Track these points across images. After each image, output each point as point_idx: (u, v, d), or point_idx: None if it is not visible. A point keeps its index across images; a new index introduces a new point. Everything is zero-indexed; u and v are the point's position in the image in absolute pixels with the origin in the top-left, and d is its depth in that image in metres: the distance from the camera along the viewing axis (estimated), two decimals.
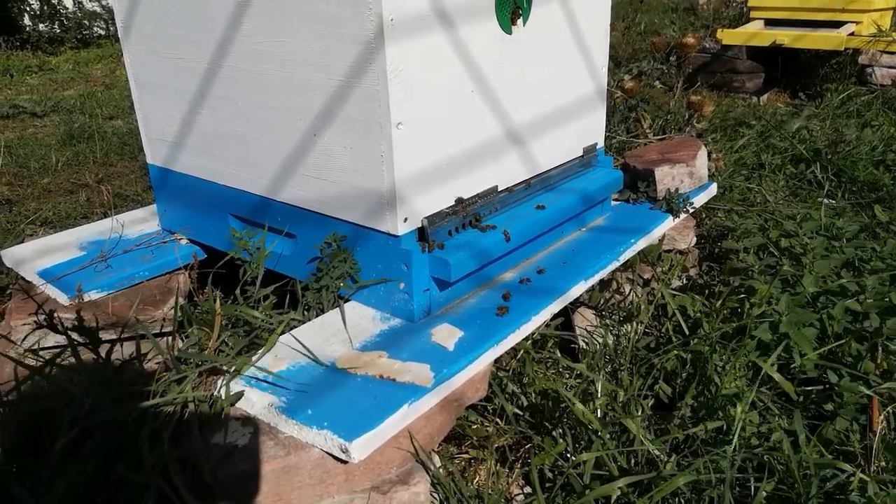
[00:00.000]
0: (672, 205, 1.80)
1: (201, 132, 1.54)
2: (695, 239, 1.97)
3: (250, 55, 1.34)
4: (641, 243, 1.68)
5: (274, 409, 1.07)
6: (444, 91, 1.26)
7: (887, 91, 3.66)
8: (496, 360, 1.33)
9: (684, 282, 1.94)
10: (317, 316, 1.34)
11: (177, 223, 1.72)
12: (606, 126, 1.78)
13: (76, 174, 3.09)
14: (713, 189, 2.00)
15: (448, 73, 1.27)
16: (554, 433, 1.38)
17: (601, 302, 1.77)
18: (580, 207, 1.63)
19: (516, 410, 1.45)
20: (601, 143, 1.77)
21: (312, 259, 1.40)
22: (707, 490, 1.21)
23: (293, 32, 1.25)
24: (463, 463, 1.41)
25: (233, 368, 1.15)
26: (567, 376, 1.57)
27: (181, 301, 1.48)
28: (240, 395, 1.11)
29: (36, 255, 1.63)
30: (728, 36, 4.14)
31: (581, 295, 1.58)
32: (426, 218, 1.29)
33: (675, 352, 1.54)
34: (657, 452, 1.29)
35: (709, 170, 2.03)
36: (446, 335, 1.27)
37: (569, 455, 1.33)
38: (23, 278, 1.58)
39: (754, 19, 4.35)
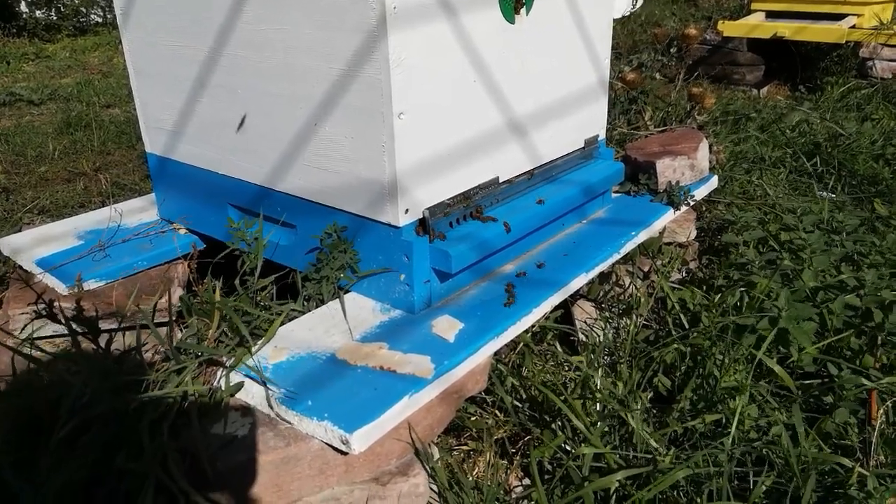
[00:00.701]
0: (673, 197, 1.79)
1: (201, 121, 1.52)
2: (695, 232, 1.96)
3: (251, 43, 1.33)
4: (642, 236, 1.68)
5: (274, 399, 1.07)
6: (446, 80, 1.25)
7: (888, 84, 3.65)
8: (495, 353, 1.33)
9: (684, 275, 1.93)
10: (317, 307, 1.33)
11: (175, 213, 1.71)
12: (607, 118, 1.77)
13: (73, 163, 3.07)
14: (714, 182, 1.99)
15: (450, 63, 1.26)
16: (553, 426, 1.38)
17: (601, 294, 1.76)
18: (581, 199, 1.62)
19: (515, 403, 1.45)
20: (603, 135, 1.76)
21: (312, 249, 1.39)
22: (706, 483, 1.21)
23: (295, 20, 1.24)
24: (462, 454, 1.41)
25: (232, 359, 1.15)
26: (566, 369, 1.56)
27: (180, 291, 1.48)
28: (239, 385, 1.10)
29: (33, 244, 1.62)
30: (729, 28, 4.13)
31: (581, 287, 1.58)
32: (428, 209, 1.28)
33: (675, 345, 1.54)
34: (656, 445, 1.29)
35: (709, 162, 2.02)
36: (447, 327, 1.26)
37: (568, 448, 1.33)
38: (20, 267, 1.57)
39: (755, 11, 4.33)
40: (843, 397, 1.40)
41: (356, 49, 1.17)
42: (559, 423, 1.37)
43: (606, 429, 1.34)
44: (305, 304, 1.35)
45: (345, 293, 1.36)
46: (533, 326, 1.54)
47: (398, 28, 1.13)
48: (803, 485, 1.18)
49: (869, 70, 3.87)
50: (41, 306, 1.35)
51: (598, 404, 1.40)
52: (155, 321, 1.34)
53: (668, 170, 1.84)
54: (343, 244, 1.34)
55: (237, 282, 1.34)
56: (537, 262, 1.50)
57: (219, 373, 1.13)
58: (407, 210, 1.24)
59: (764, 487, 1.20)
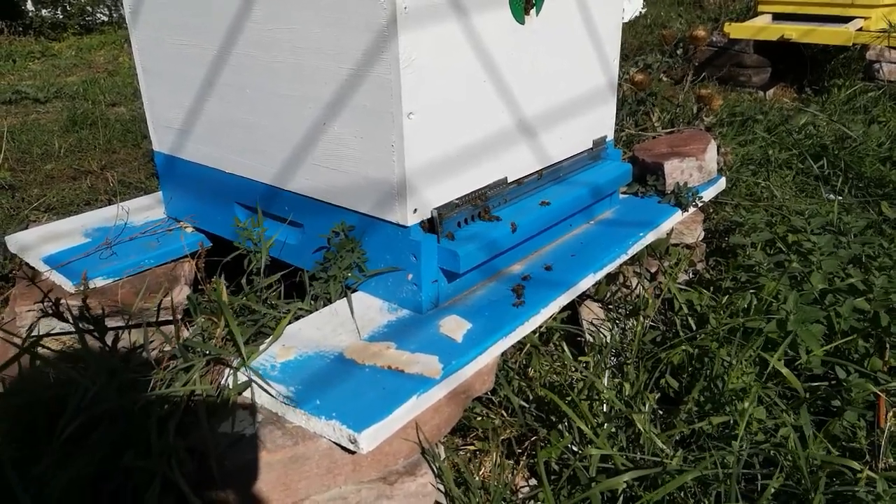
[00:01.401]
0: (681, 199, 1.79)
1: (209, 120, 1.52)
2: (702, 233, 1.96)
3: (260, 42, 1.33)
4: (650, 237, 1.67)
5: (281, 398, 1.07)
6: (456, 81, 1.25)
7: (895, 87, 3.64)
8: (502, 353, 1.33)
9: (691, 276, 1.93)
10: (324, 306, 1.33)
11: (182, 211, 1.71)
12: (615, 119, 1.77)
13: (79, 161, 3.08)
14: (722, 183, 1.99)
15: (460, 63, 1.25)
16: (560, 426, 1.38)
17: (608, 295, 1.76)
18: (589, 200, 1.62)
19: (522, 403, 1.44)
20: (611, 136, 1.76)
21: (320, 248, 1.39)
22: (714, 485, 1.20)
23: (304, 20, 1.24)
24: (469, 454, 1.40)
25: (240, 358, 1.14)
26: (573, 370, 1.56)
27: (187, 290, 1.48)
28: (247, 384, 1.10)
29: (40, 242, 1.62)
30: (735, 30, 4.12)
31: (588, 288, 1.57)
32: (436, 209, 1.28)
33: (682, 346, 1.54)
34: (663, 447, 1.28)
35: (717, 164, 2.02)
36: (455, 327, 1.26)
37: (575, 448, 1.33)
38: (27, 264, 1.58)
39: (762, 13, 4.32)
40: (850, 400, 1.40)
41: (366, 49, 1.16)
42: (566, 423, 1.37)
43: (613, 430, 1.34)
44: (313, 303, 1.34)
45: (352, 292, 1.35)
46: (540, 327, 1.53)
47: (409, 28, 1.12)
48: (812, 487, 1.17)
49: (876, 72, 3.86)
50: (48, 304, 1.35)
51: (605, 405, 1.40)
52: (161, 319, 1.34)
53: (676, 171, 1.84)
54: (351, 243, 1.34)
55: (244, 280, 1.34)
56: (545, 263, 1.49)
57: (226, 371, 1.13)
58: (415, 210, 1.24)
59: (772, 490, 1.19)
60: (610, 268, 1.55)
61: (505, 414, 1.45)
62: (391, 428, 1.04)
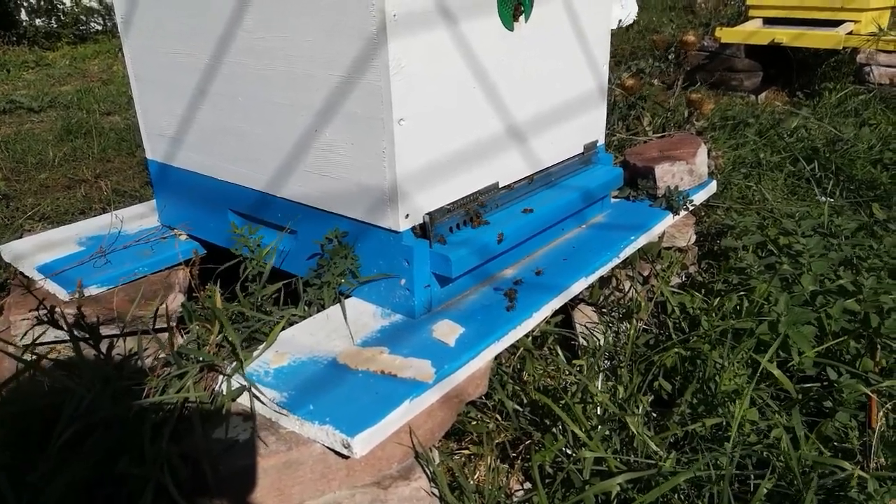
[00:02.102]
0: (672, 202, 1.80)
1: (202, 128, 1.53)
2: (694, 236, 1.97)
3: (252, 50, 1.34)
4: (641, 240, 1.68)
5: (275, 404, 1.07)
6: (446, 87, 1.26)
7: (885, 90, 3.66)
8: (496, 357, 1.33)
9: (684, 279, 1.94)
10: (318, 312, 1.34)
11: (176, 219, 1.72)
12: (606, 123, 1.78)
13: (73, 170, 3.08)
14: (713, 187, 2.00)
15: (450, 69, 1.27)
16: (554, 429, 1.38)
17: (601, 299, 1.77)
18: (581, 204, 1.63)
19: (516, 407, 1.45)
20: (602, 141, 1.77)
21: (313, 255, 1.40)
22: (707, 486, 1.21)
23: (295, 28, 1.25)
24: (463, 458, 1.41)
25: (234, 364, 1.15)
26: (567, 373, 1.57)
27: (182, 297, 1.48)
28: (241, 390, 1.11)
29: (35, 250, 1.62)
30: (726, 34, 4.15)
31: (581, 292, 1.58)
32: (428, 214, 1.29)
33: (675, 349, 1.55)
34: (656, 449, 1.29)
35: (708, 168, 2.03)
36: (447, 331, 1.27)
37: (569, 452, 1.33)
38: (21, 273, 1.58)
39: (753, 18, 4.35)
40: (842, 401, 1.40)
41: (356, 56, 1.17)
42: (560, 427, 1.38)
43: (607, 433, 1.34)
44: (307, 309, 1.35)
45: (346, 298, 1.36)
46: (533, 331, 1.54)
47: (398, 35, 1.14)
48: (804, 488, 1.18)
49: (866, 76, 3.89)
50: (42, 312, 1.36)
51: (598, 408, 1.40)
52: (156, 327, 1.35)
53: (667, 175, 1.85)
54: (344, 249, 1.35)
55: (237, 288, 1.34)
56: (537, 267, 1.50)
57: (220, 378, 1.13)
58: (407, 215, 1.25)
59: (765, 490, 1.20)
60: (602, 271, 1.56)
61: (499, 418, 1.46)
62: (384, 432, 1.05)
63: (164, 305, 1.43)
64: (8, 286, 1.68)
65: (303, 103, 1.30)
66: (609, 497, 1.24)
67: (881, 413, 1.37)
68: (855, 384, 1.42)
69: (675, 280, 1.90)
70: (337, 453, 1.04)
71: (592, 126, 1.71)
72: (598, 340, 1.65)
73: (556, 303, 1.41)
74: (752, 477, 1.25)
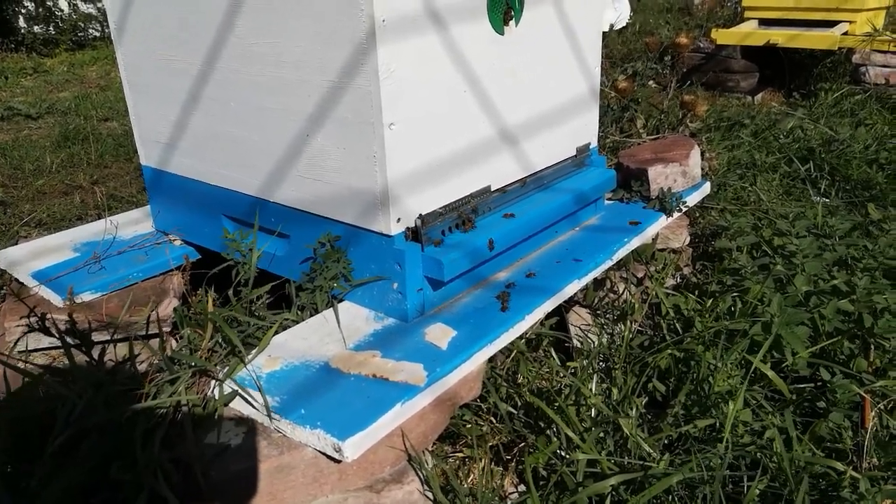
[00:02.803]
0: (665, 204, 1.80)
1: (194, 133, 1.54)
2: (688, 238, 1.97)
3: (243, 56, 1.35)
4: (635, 242, 1.69)
5: (267, 408, 1.07)
6: (436, 91, 1.27)
7: (881, 90, 3.67)
8: (490, 359, 1.34)
9: (678, 280, 1.94)
10: (311, 316, 1.34)
11: (171, 224, 1.72)
12: (600, 126, 1.79)
13: (70, 176, 3.09)
14: (706, 188, 2.00)
15: (440, 74, 1.27)
16: (548, 432, 1.38)
17: (595, 301, 1.77)
18: (574, 207, 1.63)
19: (510, 409, 1.45)
20: (594, 143, 1.77)
21: (306, 259, 1.40)
22: (699, 488, 1.21)
23: (286, 33, 1.25)
24: (457, 461, 1.41)
25: (226, 369, 1.15)
26: (561, 375, 1.57)
27: (175, 302, 1.48)
28: (233, 395, 1.11)
29: (30, 257, 1.63)
30: (722, 36, 4.16)
31: (575, 294, 1.59)
32: (419, 218, 1.29)
33: (669, 350, 1.55)
34: (650, 450, 1.29)
35: (702, 169, 2.03)
36: (440, 334, 1.27)
37: (563, 454, 1.34)
38: (15, 280, 1.58)
39: (748, 19, 4.36)
40: (836, 401, 1.41)
41: (346, 61, 1.18)
42: (554, 429, 1.38)
43: (601, 434, 1.35)
44: (300, 313, 1.35)
45: (339, 302, 1.36)
46: (527, 333, 1.54)
47: (387, 40, 1.14)
48: (796, 488, 1.18)
49: (862, 76, 3.90)
50: (34, 319, 1.36)
51: (592, 410, 1.40)
52: (149, 332, 1.35)
53: (660, 177, 1.85)
54: (336, 253, 1.35)
55: (231, 292, 1.35)
56: (530, 270, 1.50)
57: (213, 382, 1.13)
58: (399, 219, 1.25)
59: (757, 491, 1.20)
60: (595, 273, 1.56)
61: (493, 420, 1.46)
62: (376, 436, 1.05)
63: (160, 311, 1.44)
64: (4, 293, 1.68)
65: (294, 108, 1.30)
66: (602, 498, 1.24)
67: (874, 413, 1.37)
68: (848, 384, 1.42)
69: (670, 281, 1.91)
70: (329, 457, 1.04)
71: (585, 129, 1.72)
72: (593, 342, 1.66)
73: (549, 305, 1.41)
74: (745, 478, 1.25)
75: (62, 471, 0.97)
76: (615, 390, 1.46)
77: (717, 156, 2.42)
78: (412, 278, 1.29)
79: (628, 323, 1.67)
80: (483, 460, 1.37)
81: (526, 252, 1.58)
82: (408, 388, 1.12)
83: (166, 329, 1.43)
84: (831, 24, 4.06)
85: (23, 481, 0.98)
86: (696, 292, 1.79)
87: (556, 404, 1.38)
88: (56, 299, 1.46)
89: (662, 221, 1.79)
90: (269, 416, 1.07)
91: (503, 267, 1.52)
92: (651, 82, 3.08)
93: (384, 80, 1.15)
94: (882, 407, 1.39)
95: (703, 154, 2.09)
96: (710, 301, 1.68)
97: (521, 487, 1.38)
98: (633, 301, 1.72)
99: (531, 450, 1.37)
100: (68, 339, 1.18)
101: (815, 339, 1.56)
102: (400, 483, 1.12)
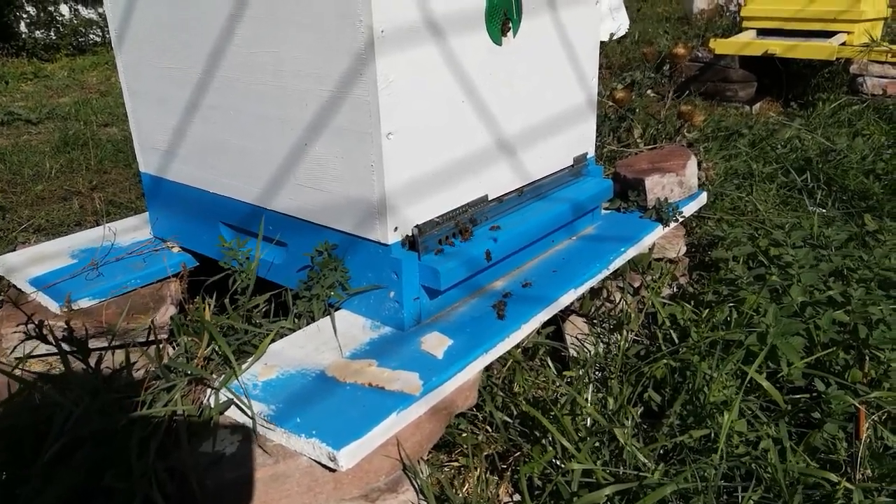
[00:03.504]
0: (662, 214, 1.81)
1: (194, 141, 1.54)
2: (685, 248, 1.98)
3: (243, 65, 1.35)
4: (631, 252, 1.69)
5: (262, 417, 1.08)
6: (434, 101, 1.27)
7: (878, 100, 3.68)
8: (486, 368, 1.34)
9: (674, 290, 1.95)
10: (308, 324, 1.34)
11: (169, 231, 1.73)
12: (597, 135, 1.79)
13: (70, 181, 3.09)
14: (703, 198, 2.01)
15: (439, 84, 1.28)
16: (543, 441, 1.39)
17: (592, 310, 1.78)
18: (571, 216, 1.64)
19: (506, 418, 1.45)
20: (592, 153, 1.78)
21: (303, 267, 1.41)
22: (693, 498, 1.21)
23: (286, 43, 1.26)
24: (452, 471, 1.41)
25: (222, 377, 1.16)
26: (557, 385, 1.57)
27: (173, 309, 1.49)
28: (228, 403, 1.11)
29: (28, 263, 1.63)
30: (721, 45, 4.17)
31: (572, 303, 1.59)
32: (416, 227, 1.30)
33: (665, 360, 1.55)
34: (644, 460, 1.29)
35: (699, 179, 2.04)
36: (436, 343, 1.27)
37: (558, 463, 1.34)
38: (13, 286, 1.59)
39: (747, 29, 4.38)
40: (831, 412, 1.41)
41: (345, 71, 1.19)
42: (549, 438, 1.38)
43: (597, 444, 1.35)
44: (296, 321, 1.36)
45: (335, 310, 1.37)
46: (523, 342, 1.55)
47: (386, 51, 1.15)
48: (791, 499, 1.18)
49: (860, 86, 3.91)
50: (31, 326, 1.36)
51: (588, 419, 1.41)
52: (148, 340, 1.35)
53: (657, 186, 1.86)
54: (334, 262, 1.36)
55: (227, 300, 1.35)
56: (527, 279, 1.51)
57: (208, 391, 1.14)
58: (396, 228, 1.26)
59: (751, 502, 1.20)
60: (591, 283, 1.57)
61: (489, 430, 1.46)
62: (371, 445, 1.05)
63: (154, 318, 1.44)
64: (1, 299, 1.68)
65: (293, 117, 1.31)
66: None
67: (869, 424, 1.38)
68: (843, 395, 1.42)
69: (666, 291, 1.91)
70: (324, 466, 1.04)
71: (582, 139, 1.73)
72: (589, 352, 1.66)
73: (545, 315, 1.42)
74: (740, 488, 1.26)
75: (56, 478, 0.97)
76: (611, 400, 1.47)
77: (713, 166, 2.43)
78: (409, 287, 1.29)
79: (624, 333, 1.68)
80: (478, 469, 1.37)
81: (523, 261, 1.58)
82: (403, 397, 1.12)
83: (163, 336, 1.43)
84: (829, 34, 4.08)
85: (17, 488, 0.98)
86: (693, 302, 1.80)
87: (552, 414, 1.38)
88: (53, 306, 1.46)
89: (659, 231, 1.80)
90: (262, 424, 1.07)
91: (500, 276, 1.52)
92: (649, 92, 3.09)
93: (382, 91, 1.16)
94: (877, 418, 1.39)
95: (700, 164, 2.09)
96: (706, 311, 1.69)
97: (517, 497, 1.38)
98: (629, 311, 1.72)
99: (526, 459, 1.37)
100: (65, 347, 1.18)
101: (811, 349, 1.56)
102: (395, 492, 1.13)
